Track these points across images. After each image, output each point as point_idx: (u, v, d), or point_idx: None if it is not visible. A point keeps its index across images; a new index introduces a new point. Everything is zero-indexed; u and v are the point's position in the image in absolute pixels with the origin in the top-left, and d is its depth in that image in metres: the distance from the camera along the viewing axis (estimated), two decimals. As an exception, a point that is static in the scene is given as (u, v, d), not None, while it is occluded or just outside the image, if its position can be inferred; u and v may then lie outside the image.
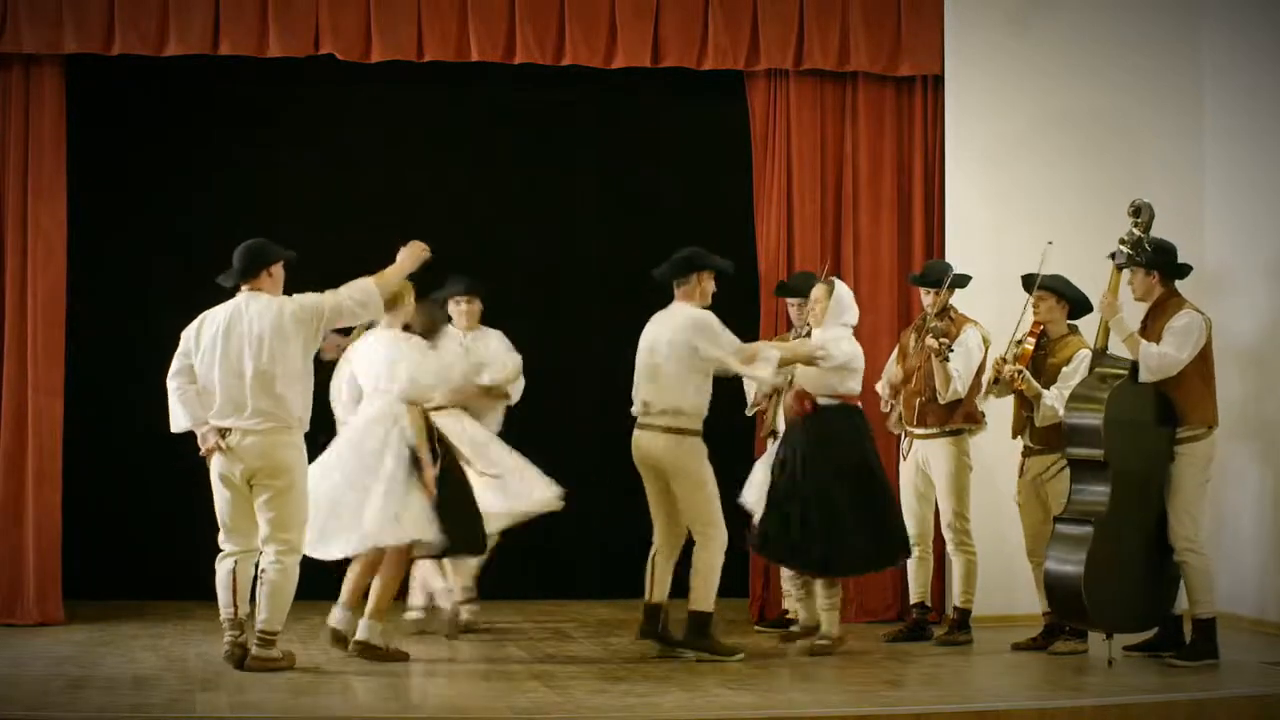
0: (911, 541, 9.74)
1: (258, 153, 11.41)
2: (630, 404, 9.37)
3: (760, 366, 9.21)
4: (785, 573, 10.12)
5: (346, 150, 11.50)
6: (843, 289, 9.49)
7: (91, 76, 10.52)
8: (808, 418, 9.34)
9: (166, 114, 11.29)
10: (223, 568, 8.63)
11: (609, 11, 10.58)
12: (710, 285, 9.34)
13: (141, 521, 11.02)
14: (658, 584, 9.30)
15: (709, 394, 9.26)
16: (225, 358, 8.55)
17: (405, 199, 11.48)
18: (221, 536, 8.65)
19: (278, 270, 8.76)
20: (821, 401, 9.33)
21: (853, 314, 9.48)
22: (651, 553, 9.36)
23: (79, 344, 10.50)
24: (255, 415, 8.50)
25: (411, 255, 9.02)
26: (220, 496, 8.62)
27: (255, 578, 8.61)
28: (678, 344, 9.14)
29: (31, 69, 10.23)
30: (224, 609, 8.61)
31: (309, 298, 8.70)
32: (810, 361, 9.32)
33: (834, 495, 9.20)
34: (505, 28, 10.50)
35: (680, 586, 9.31)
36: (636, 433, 9.31)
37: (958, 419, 9.82)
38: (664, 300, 9.32)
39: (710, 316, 9.22)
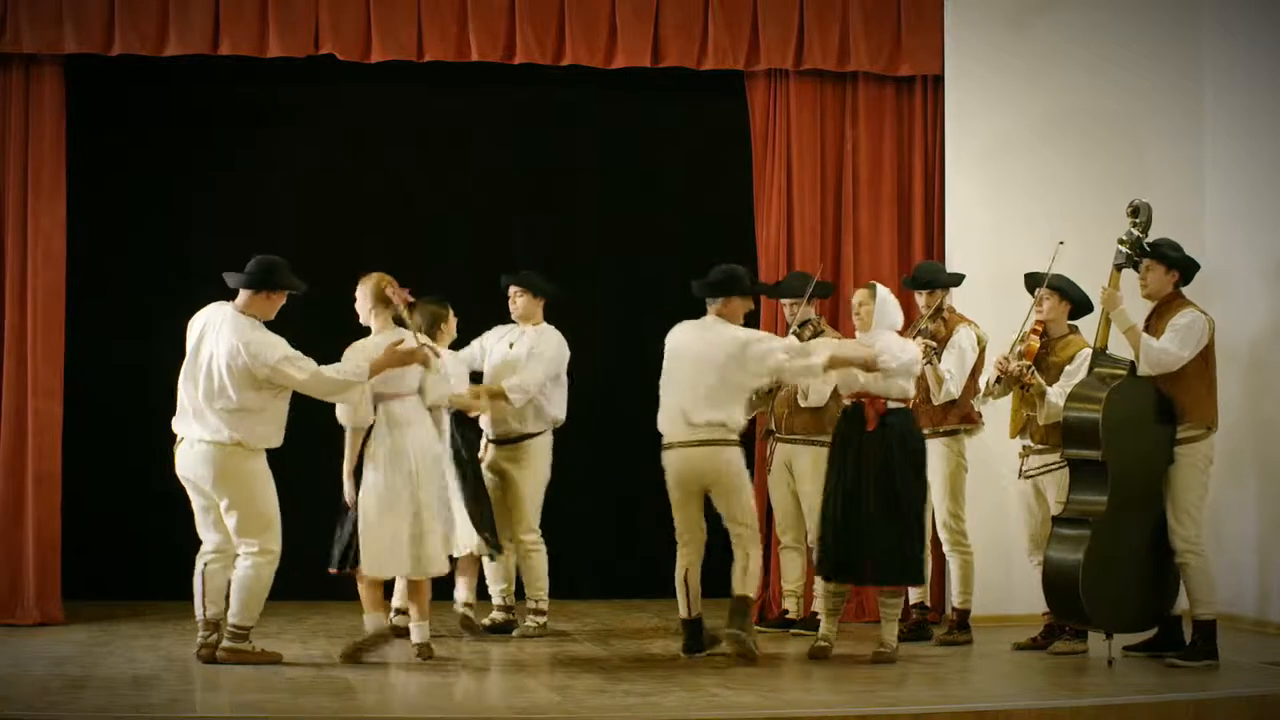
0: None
1: (258, 153, 11.40)
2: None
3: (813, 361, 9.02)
4: (791, 574, 10.12)
5: (346, 150, 11.50)
6: (885, 292, 9.25)
7: (91, 76, 10.52)
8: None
9: (166, 114, 11.28)
10: (197, 567, 8.74)
11: (609, 11, 10.58)
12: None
13: (141, 521, 11.00)
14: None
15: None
16: (191, 365, 8.62)
17: (405, 199, 11.48)
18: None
19: (278, 297, 8.71)
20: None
21: (899, 317, 9.26)
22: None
23: (79, 345, 10.49)
24: (202, 426, 8.55)
25: (393, 356, 8.73)
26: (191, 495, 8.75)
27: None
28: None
29: (31, 69, 10.22)
30: (196, 609, 8.73)
31: (268, 350, 8.50)
32: (870, 367, 9.01)
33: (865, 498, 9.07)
34: (505, 28, 10.50)
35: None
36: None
37: (952, 419, 9.81)
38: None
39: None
